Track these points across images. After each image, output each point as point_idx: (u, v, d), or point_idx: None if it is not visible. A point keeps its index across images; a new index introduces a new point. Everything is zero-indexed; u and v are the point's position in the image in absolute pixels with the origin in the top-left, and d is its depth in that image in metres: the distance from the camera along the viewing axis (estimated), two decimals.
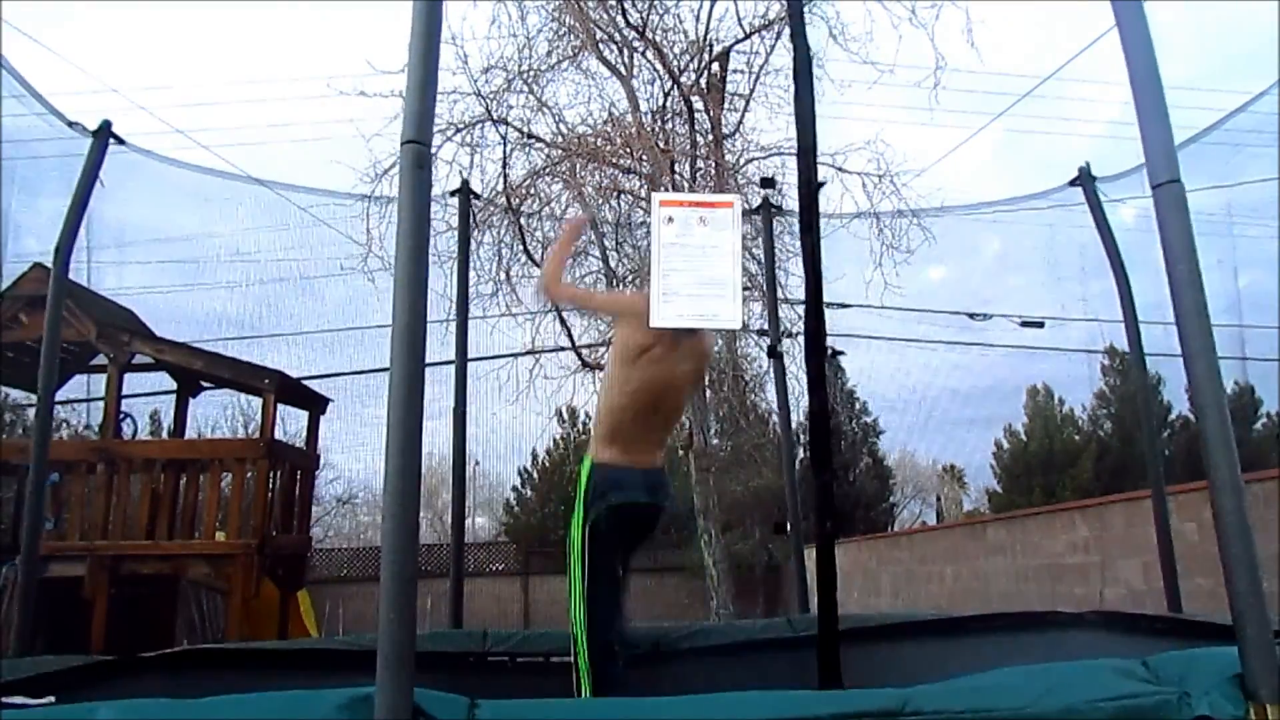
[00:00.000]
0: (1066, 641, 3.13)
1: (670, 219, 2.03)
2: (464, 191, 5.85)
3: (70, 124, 4.39)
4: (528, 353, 8.74)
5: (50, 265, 4.41)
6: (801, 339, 8.41)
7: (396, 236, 1.60)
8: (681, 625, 3.81)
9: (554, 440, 18.16)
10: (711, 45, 8.87)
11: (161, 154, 5.22)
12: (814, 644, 1.85)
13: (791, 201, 7.80)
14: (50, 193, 4.36)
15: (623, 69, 8.65)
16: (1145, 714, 1.34)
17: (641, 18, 8.41)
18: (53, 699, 2.39)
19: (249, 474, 7.66)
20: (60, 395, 9.13)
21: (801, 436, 15.07)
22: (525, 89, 8.27)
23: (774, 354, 5.23)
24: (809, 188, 1.87)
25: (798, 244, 8.26)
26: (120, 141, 4.46)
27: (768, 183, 5.96)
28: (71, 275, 5.91)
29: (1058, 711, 1.33)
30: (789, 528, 4.47)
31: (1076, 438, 18.04)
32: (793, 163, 7.41)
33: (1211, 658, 1.50)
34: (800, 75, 1.99)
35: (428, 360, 1.59)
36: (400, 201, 1.63)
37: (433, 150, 1.70)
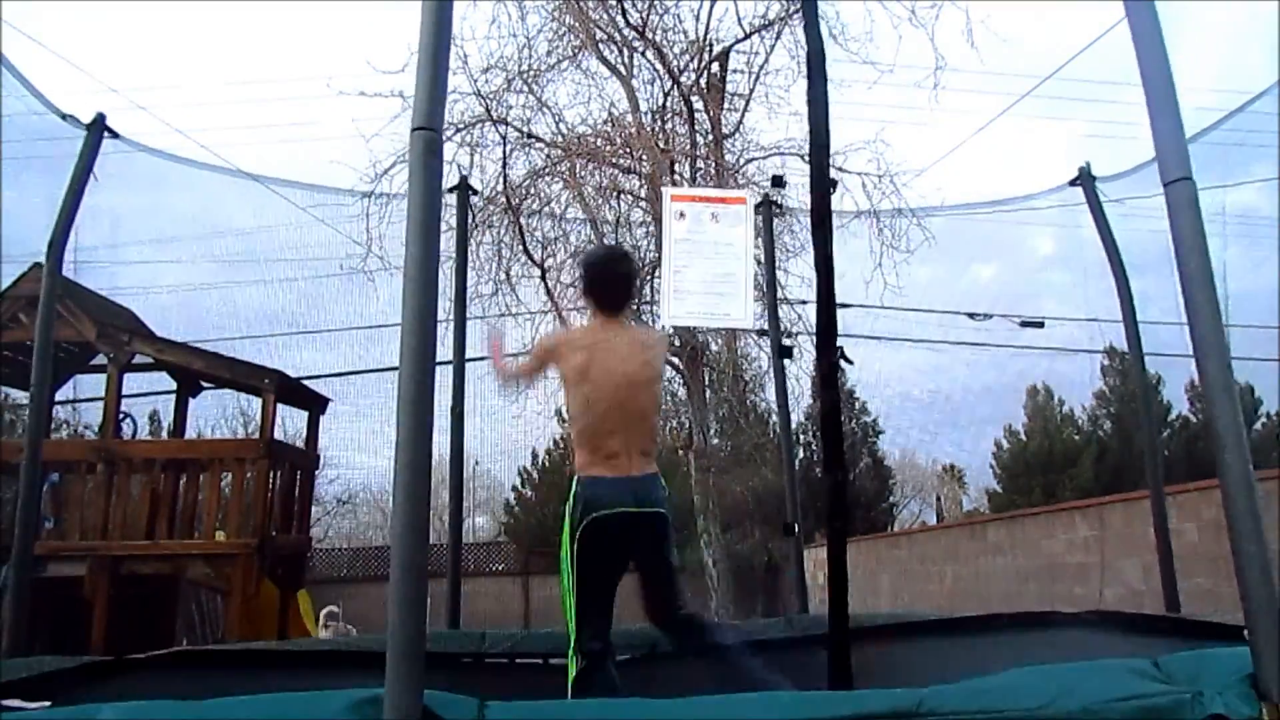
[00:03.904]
0: (1072, 641, 3.12)
1: (681, 214, 1.99)
2: (462, 188, 5.82)
3: (64, 117, 4.36)
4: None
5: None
6: (801, 338, 8.42)
7: (406, 228, 1.54)
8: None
9: (554, 440, 18.10)
10: (711, 45, 8.87)
11: (158, 149, 5.19)
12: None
13: (792, 202, 7.82)
14: (50, 189, 4.33)
15: (623, 69, 8.65)
16: (1160, 714, 1.33)
17: (641, 18, 8.41)
18: (49, 703, 2.37)
19: (249, 474, 7.64)
20: (60, 395, 9.12)
21: (802, 436, 15.04)
22: (525, 89, 8.27)
23: (785, 354, 5.19)
24: (822, 184, 1.83)
25: (798, 243, 8.29)
26: (115, 135, 4.43)
27: (778, 181, 5.89)
28: (70, 274, 5.89)
29: (1074, 712, 1.31)
30: (796, 528, 4.45)
31: (1076, 438, 18.02)
32: (793, 163, 7.38)
33: (1223, 658, 1.49)
34: (813, 68, 1.94)
35: None
36: (411, 191, 1.57)
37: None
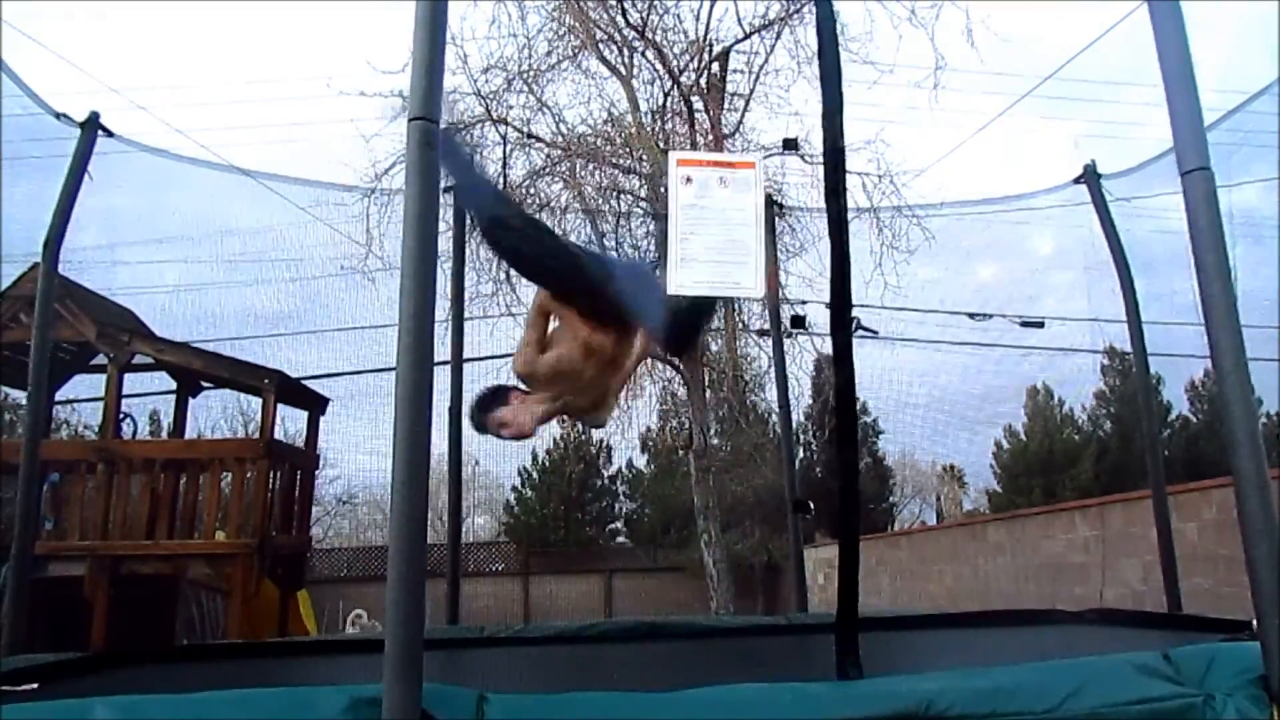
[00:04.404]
0: (1077, 637, 3.11)
1: (688, 179, 1.91)
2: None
3: (57, 115, 4.35)
4: None
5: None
6: (800, 338, 8.41)
7: (404, 222, 1.51)
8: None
9: (554, 440, 18.11)
10: (711, 45, 8.86)
11: (157, 148, 5.17)
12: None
13: (791, 201, 7.80)
14: (50, 189, 4.31)
15: (623, 69, 8.64)
16: (1171, 716, 1.32)
17: (641, 18, 8.41)
18: (34, 685, 2.37)
19: (249, 474, 7.64)
20: (60, 395, 9.11)
21: (802, 436, 15.00)
22: (525, 89, 8.27)
23: (798, 323, 5.14)
24: (835, 149, 1.75)
25: (798, 243, 8.27)
26: (109, 134, 4.42)
27: (790, 144, 5.75)
28: (70, 274, 5.88)
29: (1083, 715, 1.30)
30: (809, 506, 4.41)
31: (1076, 438, 18.00)
32: (792, 162, 7.33)
33: (1232, 654, 1.49)
34: (824, 31, 1.86)
35: None
36: (408, 184, 1.53)
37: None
